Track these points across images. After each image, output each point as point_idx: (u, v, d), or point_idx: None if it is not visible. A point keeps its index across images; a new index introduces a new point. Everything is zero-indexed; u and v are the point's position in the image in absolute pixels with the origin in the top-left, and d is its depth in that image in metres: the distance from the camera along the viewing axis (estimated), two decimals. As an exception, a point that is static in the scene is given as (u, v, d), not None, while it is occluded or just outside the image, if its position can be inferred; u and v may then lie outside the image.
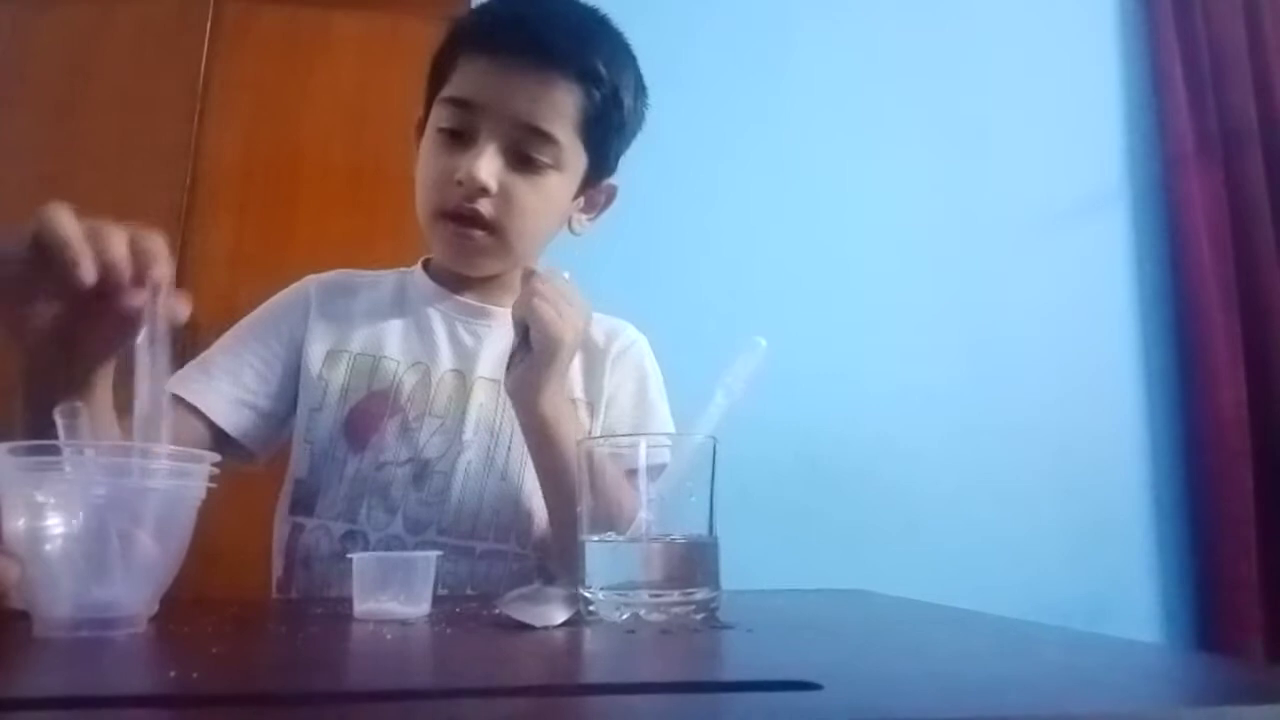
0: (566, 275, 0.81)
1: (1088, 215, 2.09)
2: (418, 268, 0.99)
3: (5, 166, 1.74)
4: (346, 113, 1.73)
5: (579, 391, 0.95)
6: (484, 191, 0.82)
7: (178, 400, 0.82)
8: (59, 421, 0.49)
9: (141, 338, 0.56)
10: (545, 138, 0.83)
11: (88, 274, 0.52)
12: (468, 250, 0.88)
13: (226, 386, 0.86)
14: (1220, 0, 2.12)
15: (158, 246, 0.56)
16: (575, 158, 0.87)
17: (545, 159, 0.84)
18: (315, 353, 0.90)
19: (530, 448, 0.83)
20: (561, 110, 0.83)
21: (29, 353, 0.58)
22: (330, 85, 1.80)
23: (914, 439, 1.90)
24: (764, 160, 2.01)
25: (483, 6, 0.89)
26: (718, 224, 1.96)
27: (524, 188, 0.84)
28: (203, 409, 0.84)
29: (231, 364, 0.88)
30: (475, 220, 0.84)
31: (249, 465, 0.89)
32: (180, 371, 0.86)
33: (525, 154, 0.83)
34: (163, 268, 0.56)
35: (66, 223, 0.52)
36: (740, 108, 2.03)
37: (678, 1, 2.05)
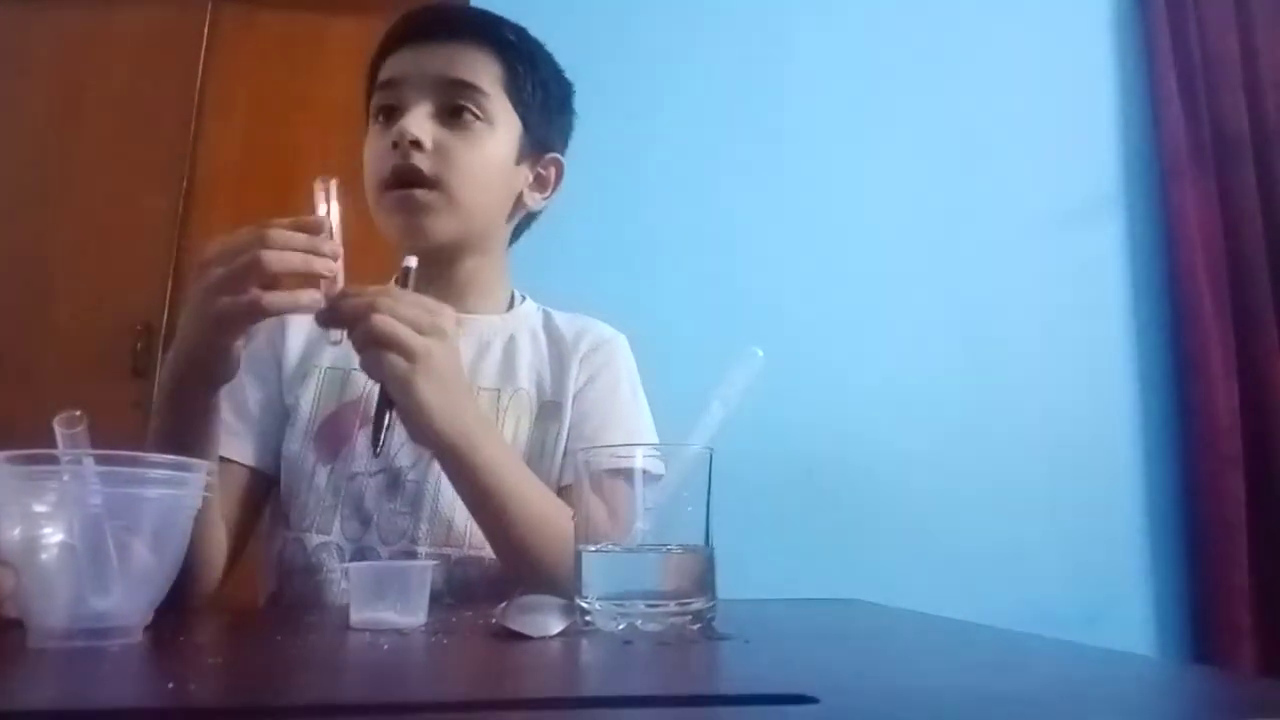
0: (410, 263, 0.78)
1: (1083, 223, 2.09)
2: (391, 284, 0.99)
3: (3, 169, 1.74)
4: (343, 117, 1.73)
5: (548, 393, 0.93)
6: (418, 146, 0.84)
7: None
8: (58, 431, 0.49)
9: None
10: (469, 87, 0.87)
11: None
12: (414, 210, 0.86)
13: (244, 429, 0.88)
14: (1214, 11, 2.13)
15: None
16: (504, 113, 0.89)
17: (473, 108, 0.87)
18: (289, 369, 0.91)
19: (449, 476, 0.78)
20: (480, 65, 0.88)
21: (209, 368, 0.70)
22: (326, 90, 1.80)
23: (909, 447, 1.90)
24: (760, 167, 2.01)
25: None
26: (714, 231, 1.96)
27: (457, 142, 0.86)
28: (239, 459, 0.85)
29: (236, 406, 0.88)
30: (415, 179, 0.85)
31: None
32: None
33: (453, 105, 0.86)
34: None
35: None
36: (736, 113, 2.03)
37: (676, 7, 2.06)
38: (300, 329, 0.93)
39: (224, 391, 0.87)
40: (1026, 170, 2.09)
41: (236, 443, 0.86)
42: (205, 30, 1.83)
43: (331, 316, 0.70)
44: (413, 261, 0.78)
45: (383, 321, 0.68)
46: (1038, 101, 2.13)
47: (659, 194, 1.92)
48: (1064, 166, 2.11)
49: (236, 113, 1.81)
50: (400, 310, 0.70)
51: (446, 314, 0.74)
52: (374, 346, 0.69)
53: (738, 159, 2.01)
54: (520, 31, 0.92)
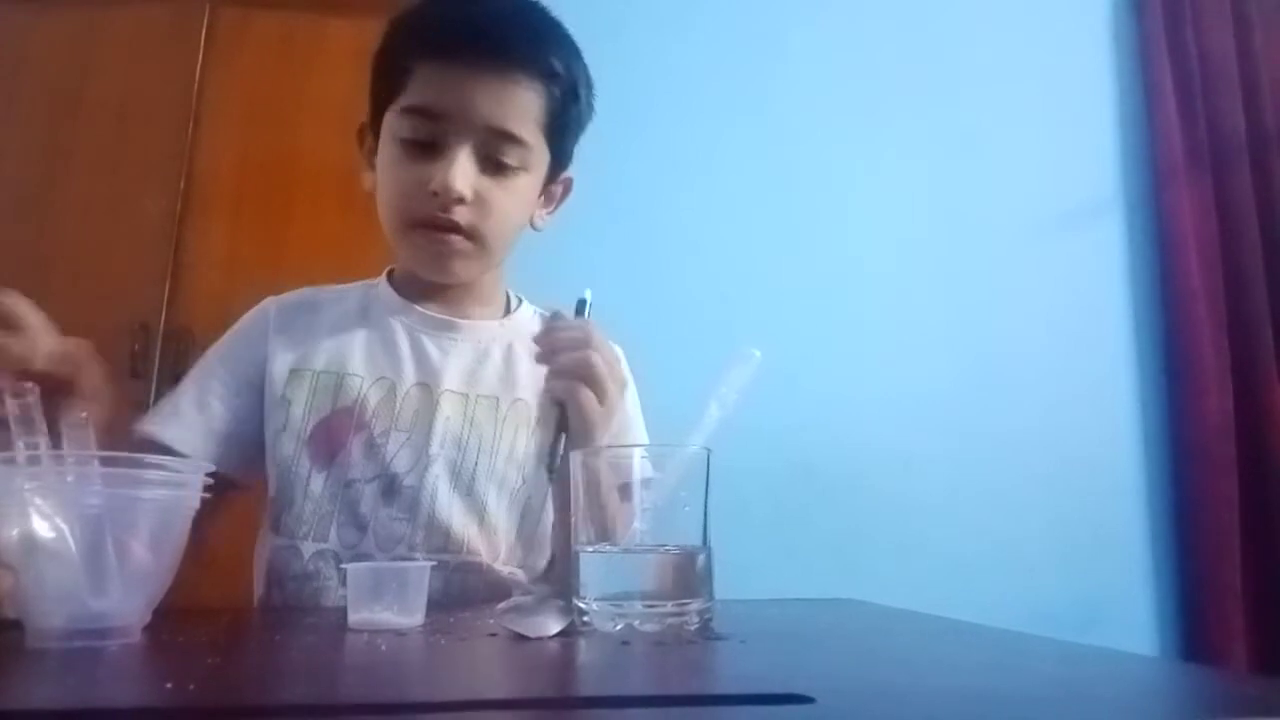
0: (586, 295, 0.77)
1: (1079, 226, 2.10)
2: (382, 279, 0.98)
3: (1, 170, 1.74)
4: (341, 118, 1.72)
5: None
6: (461, 201, 0.82)
7: (153, 444, 0.82)
8: (65, 432, 0.49)
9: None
10: (514, 140, 0.83)
11: None
12: (446, 256, 0.86)
13: (197, 421, 0.86)
14: (1211, 14, 2.13)
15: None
16: (541, 157, 0.88)
17: (514, 162, 0.84)
18: (278, 373, 0.88)
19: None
20: (527, 111, 0.84)
21: None
22: (324, 91, 1.80)
23: (907, 448, 1.90)
24: (757, 168, 2.01)
25: (425, 8, 0.86)
26: (711, 232, 1.97)
27: (497, 192, 0.84)
28: (179, 448, 0.83)
29: (199, 397, 0.87)
30: (452, 228, 0.84)
31: (240, 490, 0.89)
32: (151, 413, 0.86)
33: (495, 158, 0.83)
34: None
35: None
36: (733, 113, 2.03)
37: (670, 7, 2.06)
38: (290, 330, 0.91)
39: (187, 382, 0.89)
40: (1023, 173, 2.10)
41: (181, 431, 0.84)
42: (203, 31, 1.83)
43: (547, 341, 0.74)
44: (588, 294, 0.79)
45: (599, 362, 0.73)
46: (1034, 104, 2.13)
47: (657, 193, 1.92)
48: (1060, 170, 2.12)
49: (234, 113, 1.81)
50: (605, 354, 0.74)
51: (624, 366, 0.80)
52: (577, 380, 0.72)
53: (736, 159, 2.01)
54: (564, 50, 0.86)
